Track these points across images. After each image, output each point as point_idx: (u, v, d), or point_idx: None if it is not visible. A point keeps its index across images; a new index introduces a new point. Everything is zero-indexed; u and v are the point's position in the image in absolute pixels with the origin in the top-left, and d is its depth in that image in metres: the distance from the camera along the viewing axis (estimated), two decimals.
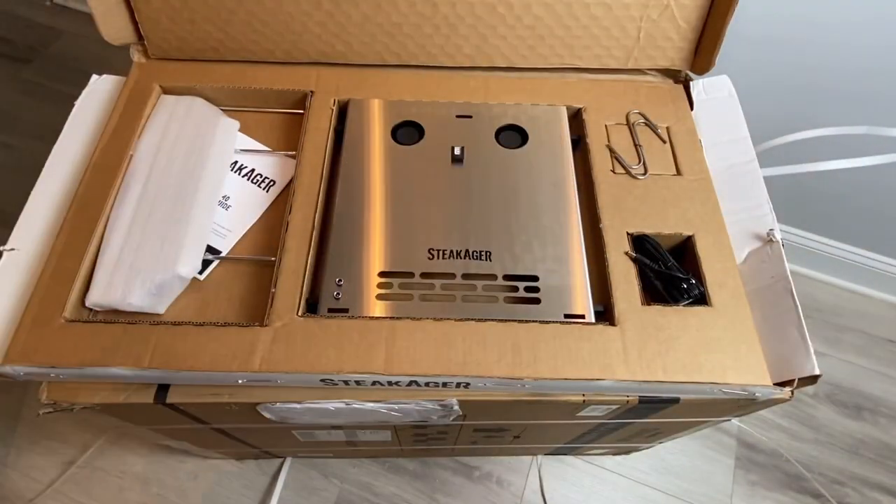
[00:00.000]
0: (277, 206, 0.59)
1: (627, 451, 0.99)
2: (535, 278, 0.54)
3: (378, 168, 0.60)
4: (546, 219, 0.57)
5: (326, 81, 0.65)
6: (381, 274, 0.53)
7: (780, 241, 0.55)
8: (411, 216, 0.57)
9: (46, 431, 1.00)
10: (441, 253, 0.55)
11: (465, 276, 0.54)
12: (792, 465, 1.02)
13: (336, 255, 0.54)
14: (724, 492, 1.00)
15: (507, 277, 0.54)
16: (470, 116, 0.64)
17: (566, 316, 0.52)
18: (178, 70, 0.66)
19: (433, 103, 0.65)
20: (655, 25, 0.64)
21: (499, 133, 0.63)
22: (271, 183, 0.60)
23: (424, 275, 0.54)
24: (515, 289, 0.53)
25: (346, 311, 0.51)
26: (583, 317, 0.52)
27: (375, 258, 0.54)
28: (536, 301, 0.53)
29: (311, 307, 0.52)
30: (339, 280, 0.53)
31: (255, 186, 0.60)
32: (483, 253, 0.55)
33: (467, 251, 0.55)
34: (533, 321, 0.51)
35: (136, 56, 0.66)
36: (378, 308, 0.51)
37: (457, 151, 0.60)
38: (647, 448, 0.95)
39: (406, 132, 0.63)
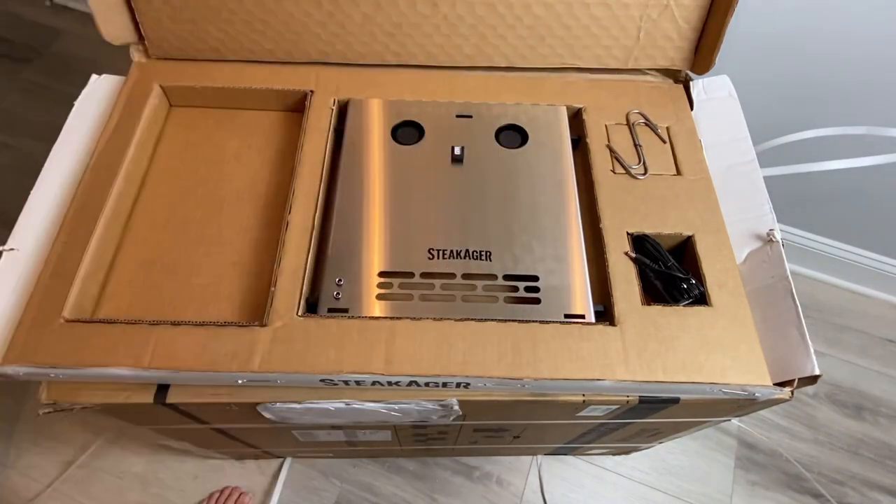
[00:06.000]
0: (277, 205, 0.59)
1: (627, 451, 0.99)
2: (536, 278, 0.54)
3: (378, 168, 0.60)
4: (546, 219, 0.57)
5: (326, 81, 0.65)
6: (382, 274, 0.53)
7: (780, 241, 0.55)
8: (411, 216, 0.57)
9: (46, 431, 1.00)
10: (441, 253, 0.55)
11: (466, 275, 0.54)
12: (792, 465, 1.02)
13: (336, 255, 0.54)
14: (724, 492, 1.00)
15: (507, 277, 0.54)
16: (470, 116, 0.64)
17: (566, 316, 0.51)
18: (178, 70, 0.66)
19: (433, 103, 0.65)
20: (655, 25, 0.64)
21: (499, 133, 0.63)
22: None
23: (424, 275, 0.53)
24: (515, 289, 0.53)
25: (345, 311, 0.51)
26: (583, 317, 0.52)
27: (375, 258, 0.54)
28: (536, 301, 0.52)
29: (311, 307, 0.52)
30: (339, 280, 0.53)
31: None
32: (483, 253, 0.55)
33: (467, 251, 0.55)
34: (533, 321, 0.51)
35: (136, 56, 0.66)
36: (378, 308, 0.51)
37: (457, 151, 0.60)
38: (647, 448, 0.95)
39: (406, 132, 0.63)
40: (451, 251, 0.55)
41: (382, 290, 0.53)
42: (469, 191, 0.59)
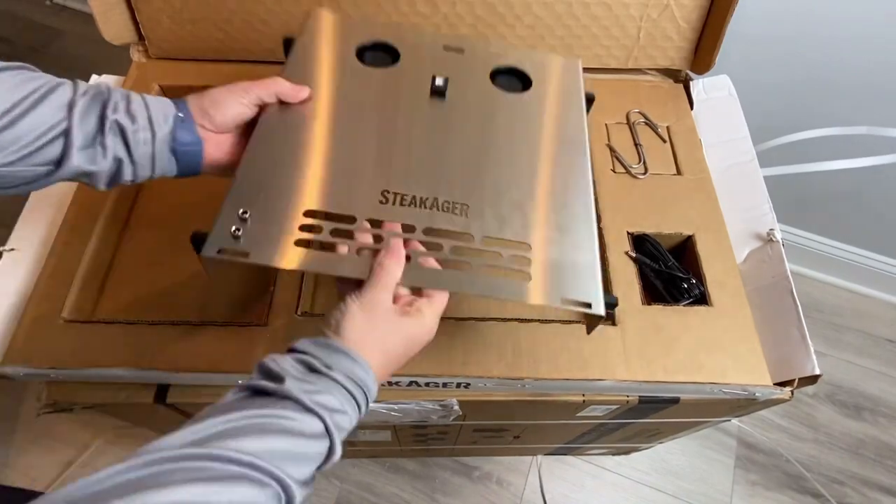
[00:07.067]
0: None
1: (627, 452, 0.99)
2: (527, 247, 0.42)
3: (331, 85, 0.47)
4: (552, 180, 0.45)
5: None
6: (309, 213, 0.40)
7: (780, 241, 0.55)
8: (366, 148, 0.44)
9: (46, 431, 1.00)
10: (400, 198, 0.42)
11: (429, 230, 0.41)
12: (792, 465, 1.02)
13: (248, 179, 0.40)
14: (724, 492, 1.00)
15: (487, 240, 0.41)
16: (461, 50, 0.52)
17: (564, 301, 0.39)
18: (178, 70, 0.65)
19: (416, 29, 0.56)
20: (655, 25, 0.64)
21: (495, 74, 0.52)
22: None
23: (371, 222, 0.41)
24: (498, 256, 0.41)
25: (244, 254, 0.37)
26: (589, 305, 0.39)
27: (306, 191, 0.41)
28: (525, 276, 0.40)
29: (196, 243, 0.38)
30: (245, 212, 0.39)
31: None
32: (458, 206, 0.42)
33: (436, 200, 0.42)
34: (534, 321, 0.50)
35: (137, 56, 0.66)
36: (292, 256, 0.38)
37: (438, 82, 0.48)
38: (647, 448, 0.95)
39: (376, 55, 0.51)
40: (414, 198, 0.42)
41: (304, 235, 0.39)
42: (448, 130, 0.47)
